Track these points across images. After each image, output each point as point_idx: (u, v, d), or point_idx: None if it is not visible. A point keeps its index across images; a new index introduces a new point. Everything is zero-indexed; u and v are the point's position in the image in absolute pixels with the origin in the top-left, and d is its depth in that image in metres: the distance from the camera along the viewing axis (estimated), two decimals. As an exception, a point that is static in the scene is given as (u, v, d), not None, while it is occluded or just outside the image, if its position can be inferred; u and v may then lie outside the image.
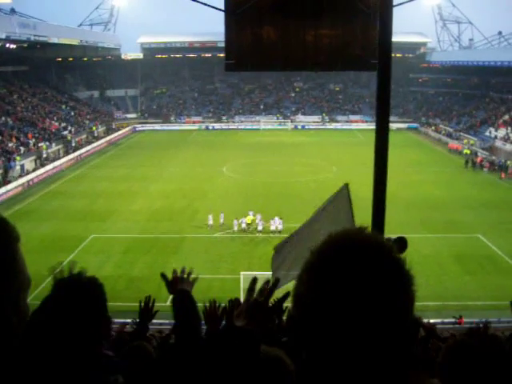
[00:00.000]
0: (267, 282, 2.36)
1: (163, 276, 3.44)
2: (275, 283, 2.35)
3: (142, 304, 4.99)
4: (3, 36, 61.50)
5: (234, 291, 24.29)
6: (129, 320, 6.05)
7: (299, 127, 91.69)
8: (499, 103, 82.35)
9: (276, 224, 34.71)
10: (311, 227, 8.69)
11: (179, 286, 3.33)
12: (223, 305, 4.02)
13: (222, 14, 14.56)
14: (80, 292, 2.09)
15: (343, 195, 8.17)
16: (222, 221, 35.80)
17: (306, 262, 1.41)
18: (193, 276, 3.46)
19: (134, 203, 43.35)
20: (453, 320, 18.29)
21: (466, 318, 21.75)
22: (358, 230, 1.43)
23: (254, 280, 2.39)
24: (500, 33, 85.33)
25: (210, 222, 35.81)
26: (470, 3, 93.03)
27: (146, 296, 5.02)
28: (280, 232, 33.78)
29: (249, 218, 35.32)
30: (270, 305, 2.34)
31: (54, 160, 60.00)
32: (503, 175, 53.56)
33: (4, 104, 69.64)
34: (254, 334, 2.05)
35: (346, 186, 8.17)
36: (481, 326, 3.48)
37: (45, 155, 59.93)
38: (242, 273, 26.86)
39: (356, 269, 1.31)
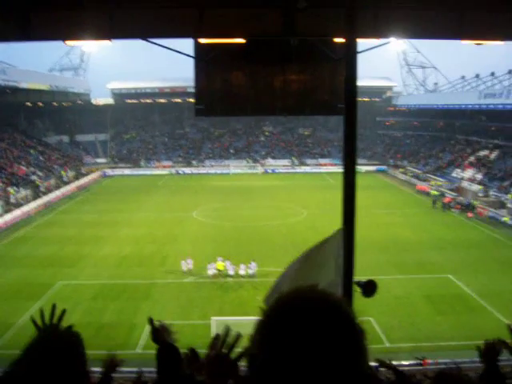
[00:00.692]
0: (217, 337, 2.36)
1: (151, 321, 3.39)
2: (226, 333, 2.35)
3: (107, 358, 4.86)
4: (-28, 81, 61.37)
5: (204, 337, 23.99)
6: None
7: (269, 171, 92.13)
8: (465, 145, 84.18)
9: (251, 268, 34.44)
10: (300, 267, 8.55)
11: (165, 336, 3.30)
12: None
13: (192, 60, 14.76)
14: (60, 346, 2.06)
15: (336, 239, 8.08)
16: (190, 266, 35.42)
17: (258, 322, 1.43)
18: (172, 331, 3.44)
19: (104, 249, 42.82)
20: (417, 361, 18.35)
21: (440, 359, 21.80)
22: (309, 288, 1.46)
23: (217, 336, 2.39)
24: (463, 77, 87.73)
25: (184, 267, 35.41)
26: (434, 49, 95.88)
27: (109, 355, 4.88)
28: (251, 276, 33.69)
29: (219, 264, 34.98)
30: (233, 358, 2.32)
31: (21, 205, 59.21)
32: (470, 214, 54.39)
33: (-29, 149, 68.95)
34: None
35: (341, 230, 8.11)
36: (452, 367, 3.50)
37: (13, 200, 59.15)
38: (213, 318, 26.57)
39: (306, 329, 1.32)
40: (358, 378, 1.36)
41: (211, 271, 34.78)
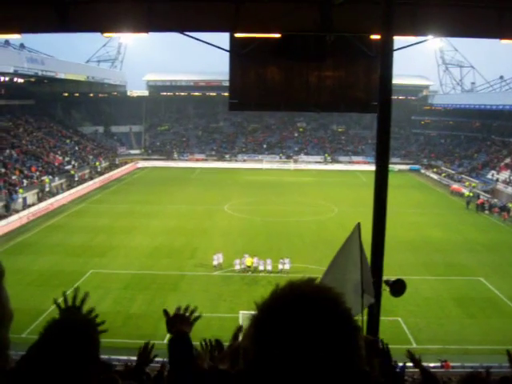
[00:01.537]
0: (239, 328, 2.38)
1: (165, 313, 3.43)
2: (239, 329, 2.36)
3: (141, 349, 4.88)
4: (11, 70, 62.30)
5: (231, 330, 24.10)
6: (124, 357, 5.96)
7: (302, 167, 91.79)
8: (501, 146, 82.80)
9: (286, 264, 34.37)
10: (332, 271, 8.52)
11: (178, 326, 3.31)
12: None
13: (227, 54, 14.79)
14: (71, 335, 2.08)
15: (355, 235, 8.08)
16: (221, 261, 35.48)
17: (252, 316, 1.43)
18: (195, 314, 3.45)
19: (135, 239, 43.24)
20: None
21: (467, 363, 21.54)
22: (306, 281, 1.44)
23: (240, 327, 2.40)
24: (501, 77, 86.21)
25: (215, 262, 35.51)
26: (472, 48, 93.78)
27: (145, 342, 4.92)
28: (286, 272, 33.59)
29: (248, 260, 34.98)
30: None
31: (56, 194, 60.15)
32: (506, 216, 53.65)
33: (9, 137, 70.11)
34: (236, 377, 2.05)
35: (358, 225, 8.10)
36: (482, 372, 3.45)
37: (47, 189, 60.06)
38: (241, 312, 26.66)
39: (298, 324, 1.31)
40: (352, 374, 1.35)
41: (238, 266, 34.85)
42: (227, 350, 2.31)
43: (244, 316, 25.71)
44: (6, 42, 63.01)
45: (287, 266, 34.14)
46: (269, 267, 34.58)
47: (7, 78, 68.85)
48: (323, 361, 1.30)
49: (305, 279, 1.45)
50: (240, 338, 2.33)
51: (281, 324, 1.33)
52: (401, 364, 10.10)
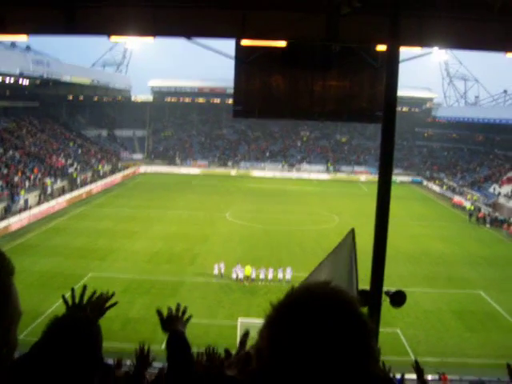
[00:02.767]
0: (246, 333, 2.37)
1: (159, 313, 3.43)
2: (245, 334, 2.36)
3: (138, 350, 4.87)
4: (17, 72, 62.59)
5: (231, 338, 24.04)
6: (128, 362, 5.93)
7: (304, 176, 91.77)
8: (503, 160, 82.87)
9: (288, 273, 34.26)
10: (317, 274, 8.52)
11: (173, 325, 3.31)
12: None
13: (232, 61, 14.81)
14: (75, 333, 2.08)
15: (348, 241, 8.06)
16: (222, 270, 35.37)
17: (267, 316, 1.42)
18: (186, 315, 3.46)
19: (135, 244, 43.25)
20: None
21: (466, 376, 21.49)
22: (322, 284, 1.44)
23: (246, 333, 2.40)
24: (505, 91, 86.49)
25: (216, 271, 35.40)
26: (477, 61, 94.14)
27: (140, 342, 4.91)
28: (289, 282, 33.45)
29: (246, 269, 34.83)
30: None
31: (58, 196, 60.19)
32: (506, 228, 53.72)
33: (13, 138, 70.27)
34: (249, 378, 2.04)
35: (352, 230, 8.08)
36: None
37: (49, 191, 60.15)
38: (239, 319, 26.62)
39: (314, 324, 1.31)
40: (366, 378, 1.34)
41: (234, 275, 34.78)
42: (235, 356, 2.31)
43: (243, 323, 25.64)
44: (13, 43, 63.27)
45: (288, 276, 34.05)
46: (270, 276, 34.49)
47: (12, 80, 69.05)
48: (338, 362, 1.29)
49: (320, 282, 1.45)
50: (247, 344, 2.33)
51: (296, 325, 1.32)
52: (398, 376, 10.07)
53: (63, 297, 2.81)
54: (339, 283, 7.50)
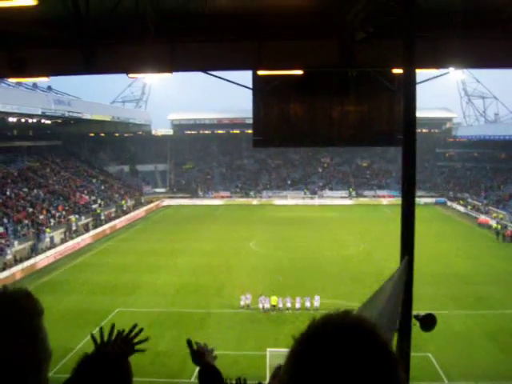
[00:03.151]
0: (279, 367, 2.35)
1: (189, 343, 3.42)
2: (278, 368, 2.33)
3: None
4: (39, 112, 63.65)
5: (260, 368, 23.84)
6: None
7: (327, 202, 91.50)
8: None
9: (316, 300, 34.03)
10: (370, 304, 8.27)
11: (204, 358, 3.31)
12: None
13: (250, 92, 14.94)
14: (104, 370, 2.10)
15: (401, 270, 7.88)
16: (248, 302, 35.16)
17: (290, 350, 1.39)
18: (215, 353, 3.46)
19: (161, 277, 43.27)
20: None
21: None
22: (343, 313, 1.41)
23: (279, 367, 2.38)
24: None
25: (242, 302, 35.25)
26: (494, 79, 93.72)
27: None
28: (317, 309, 33.24)
29: (272, 299, 34.63)
30: None
31: (83, 233, 60.69)
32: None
33: (37, 177, 71.33)
34: None
35: (407, 259, 7.95)
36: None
37: (74, 228, 60.69)
38: (268, 349, 26.38)
39: (337, 356, 1.28)
40: None
41: (261, 305, 34.58)
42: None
43: (272, 354, 25.41)
44: (34, 84, 64.47)
45: (317, 303, 33.78)
46: (297, 305, 34.21)
47: (35, 120, 70.33)
48: None
49: (341, 311, 1.41)
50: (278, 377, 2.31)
51: (319, 356, 1.29)
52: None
53: (92, 335, 2.82)
54: (384, 313, 7.41)
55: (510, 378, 24.76)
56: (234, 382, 3.78)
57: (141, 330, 2.97)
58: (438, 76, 14.94)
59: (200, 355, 3.33)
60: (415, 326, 7.46)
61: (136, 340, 2.91)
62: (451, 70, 14.91)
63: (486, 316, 33.31)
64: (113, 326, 2.90)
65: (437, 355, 26.72)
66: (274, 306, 34.44)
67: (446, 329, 29.22)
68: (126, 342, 2.85)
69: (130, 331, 2.92)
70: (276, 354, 24.54)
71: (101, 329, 2.87)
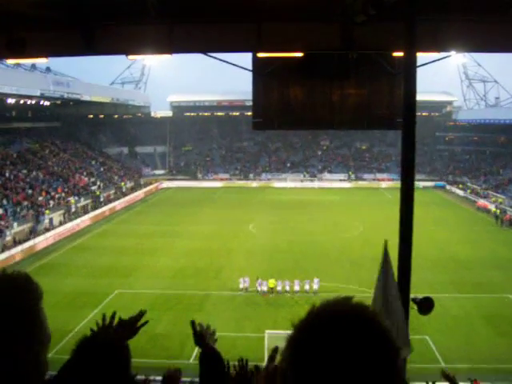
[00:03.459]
0: (275, 349, 2.36)
1: (193, 324, 3.42)
2: (275, 350, 2.34)
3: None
4: (38, 93, 63.43)
5: (258, 350, 23.97)
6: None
7: (326, 185, 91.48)
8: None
9: (315, 283, 34.11)
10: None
11: (206, 340, 3.32)
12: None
13: (250, 74, 14.87)
14: (104, 354, 2.11)
15: (384, 255, 7.94)
16: (247, 284, 35.24)
17: (289, 337, 1.39)
18: (215, 336, 3.47)
19: (159, 259, 43.35)
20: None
21: (498, 382, 21.12)
22: (343, 300, 1.41)
23: (276, 349, 2.38)
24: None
25: (241, 285, 35.29)
26: (495, 62, 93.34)
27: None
28: (316, 292, 33.38)
29: (270, 282, 34.69)
30: None
31: (82, 214, 60.73)
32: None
33: (36, 159, 71.22)
34: None
35: (385, 243, 7.96)
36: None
37: (73, 209, 60.69)
38: (267, 331, 26.52)
39: (337, 343, 1.28)
40: None
41: (259, 288, 34.68)
42: (263, 372, 2.30)
43: (270, 336, 25.55)
44: (33, 65, 64.23)
45: (316, 286, 33.87)
46: (296, 287, 34.29)
47: (34, 101, 70.05)
48: (363, 382, 1.27)
49: (341, 298, 1.42)
50: (277, 359, 2.31)
51: (318, 344, 1.30)
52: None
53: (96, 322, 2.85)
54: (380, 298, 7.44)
55: (506, 361, 24.92)
56: (235, 363, 3.80)
57: (143, 313, 2.97)
58: (438, 59, 14.85)
59: (202, 337, 3.34)
60: (413, 309, 7.50)
61: (138, 324, 2.92)
62: (453, 53, 14.84)
63: (483, 300, 33.45)
64: (114, 313, 2.92)
65: (434, 338, 26.88)
66: (271, 288, 34.52)
67: (444, 312, 29.36)
68: (129, 325, 2.86)
69: (136, 320, 2.92)
70: (274, 336, 24.69)
71: (103, 316, 2.90)
